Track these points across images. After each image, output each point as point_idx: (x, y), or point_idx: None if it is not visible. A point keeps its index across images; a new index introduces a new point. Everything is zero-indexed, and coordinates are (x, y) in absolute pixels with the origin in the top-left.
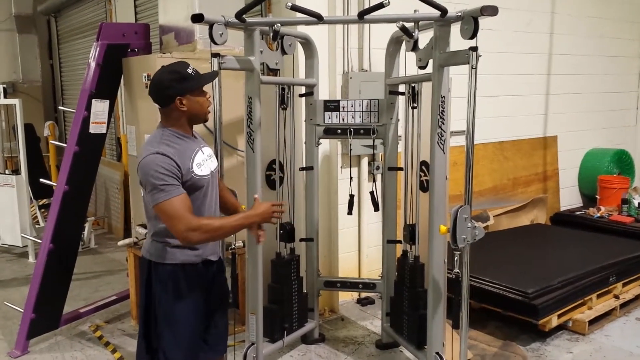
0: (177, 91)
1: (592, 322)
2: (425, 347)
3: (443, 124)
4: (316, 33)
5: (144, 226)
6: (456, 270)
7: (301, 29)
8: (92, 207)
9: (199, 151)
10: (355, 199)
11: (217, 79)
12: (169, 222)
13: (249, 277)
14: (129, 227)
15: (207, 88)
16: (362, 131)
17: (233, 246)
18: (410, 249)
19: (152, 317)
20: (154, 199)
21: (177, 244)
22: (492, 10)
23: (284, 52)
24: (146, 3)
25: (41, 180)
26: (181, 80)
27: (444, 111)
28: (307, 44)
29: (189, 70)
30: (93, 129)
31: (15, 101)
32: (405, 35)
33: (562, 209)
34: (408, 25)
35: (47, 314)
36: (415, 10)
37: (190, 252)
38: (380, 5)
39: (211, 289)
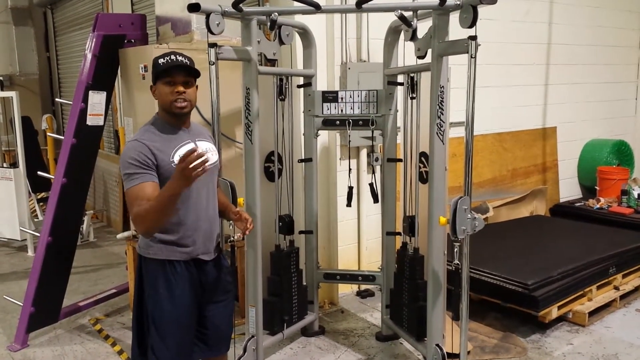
0: (152, 79)
1: (592, 313)
2: (425, 338)
3: (442, 114)
4: (314, 23)
5: None
6: (456, 261)
7: (299, 19)
8: (91, 200)
9: (190, 143)
10: (355, 191)
11: (214, 70)
12: (129, 210)
13: (249, 270)
14: (127, 220)
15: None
16: (360, 122)
17: (232, 238)
18: (410, 240)
19: (144, 312)
20: (125, 187)
21: (164, 239)
22: None
23: (281, 42)
24: None
25: (39, 173)
26: (153, 68)
27: (443, 101)
28: (305, 34)
29: (161, 60)
30: (90, 121)
31: (12, 94)
32: (404, 24)
33: (561, 200)
34: (407, 14)
35: (46, 307)
36: None
37: (178, 248)
38: None
39: (205, 288)
